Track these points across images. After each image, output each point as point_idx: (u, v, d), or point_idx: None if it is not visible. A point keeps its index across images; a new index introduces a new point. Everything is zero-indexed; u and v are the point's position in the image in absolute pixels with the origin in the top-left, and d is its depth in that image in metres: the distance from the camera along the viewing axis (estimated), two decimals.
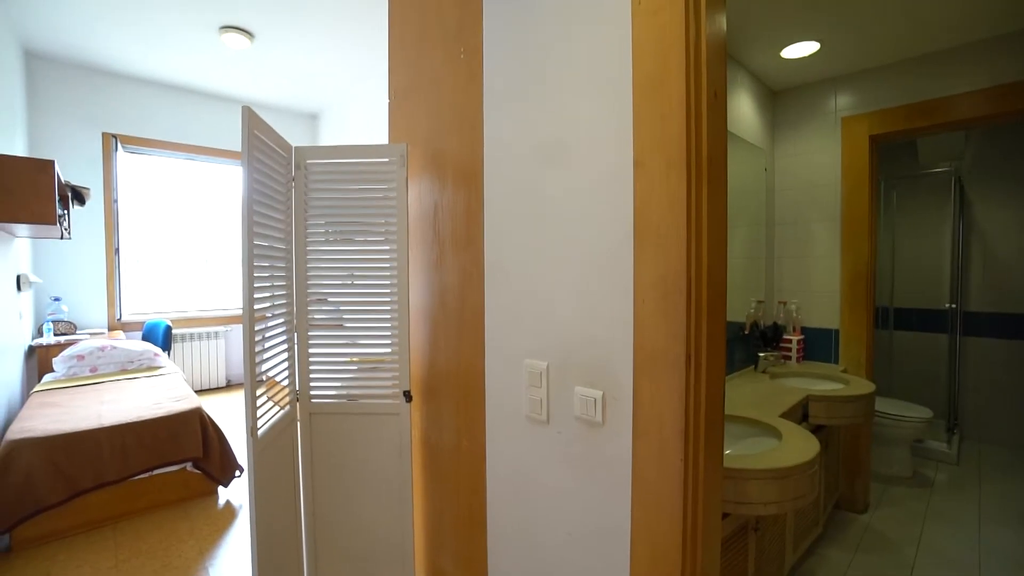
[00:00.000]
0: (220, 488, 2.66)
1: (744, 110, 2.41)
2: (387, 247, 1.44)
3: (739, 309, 2.49)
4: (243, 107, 1.18)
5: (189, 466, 2.51)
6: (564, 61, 1.04)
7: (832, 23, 1.99)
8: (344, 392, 1.48)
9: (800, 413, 1.95)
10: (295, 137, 5.29)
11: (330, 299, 1.46)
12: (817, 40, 2.13)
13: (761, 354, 2.33)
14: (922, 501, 2.61)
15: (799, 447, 1.39)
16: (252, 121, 1.18)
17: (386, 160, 1.44)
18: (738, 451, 1.59)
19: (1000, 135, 3.33)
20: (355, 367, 1.49)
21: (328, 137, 5.17)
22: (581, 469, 1.04)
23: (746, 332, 2.44)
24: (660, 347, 0.92)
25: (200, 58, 3.87)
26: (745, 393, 1.98)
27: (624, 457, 0.97)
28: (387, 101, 1.68)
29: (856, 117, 2.40)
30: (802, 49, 2.20)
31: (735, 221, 2.42)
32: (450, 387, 1.41)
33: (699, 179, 0.92)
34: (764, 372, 2.31)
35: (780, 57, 2.28)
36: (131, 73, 4.17)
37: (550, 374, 1.09)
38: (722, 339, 0.99)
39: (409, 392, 1.46)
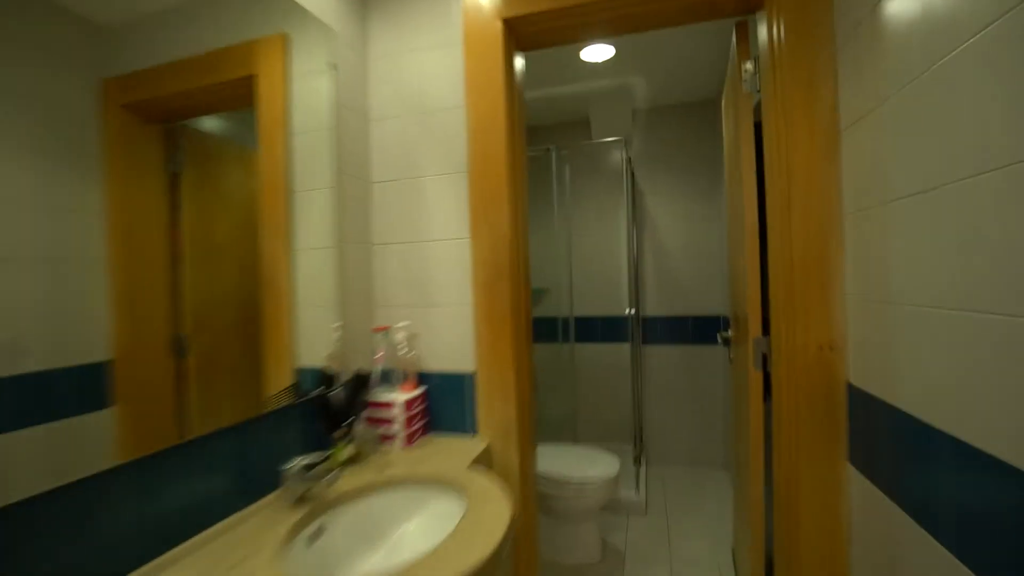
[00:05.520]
0: None
1: None
2: None
3: (316, 347, 1.15)
4: None
5: None
6: None
7: None
8: None
9: None
10: None
11: None
12: None
13: (305, 462, 0.97)
14: None
15: None
16: None
17: None
18: None
19: (661, 118, 3.00)
20: None
21: None
22: None
23: (314, 394, 1.10)
24: None
25: None
26: None
27: None
28: None
29: None
30: None
31: (305, 178, 1.08)
32: None
33: None
34: (301, 500, 0.98)
35: None
36: None
37: None
38: None
39: None
